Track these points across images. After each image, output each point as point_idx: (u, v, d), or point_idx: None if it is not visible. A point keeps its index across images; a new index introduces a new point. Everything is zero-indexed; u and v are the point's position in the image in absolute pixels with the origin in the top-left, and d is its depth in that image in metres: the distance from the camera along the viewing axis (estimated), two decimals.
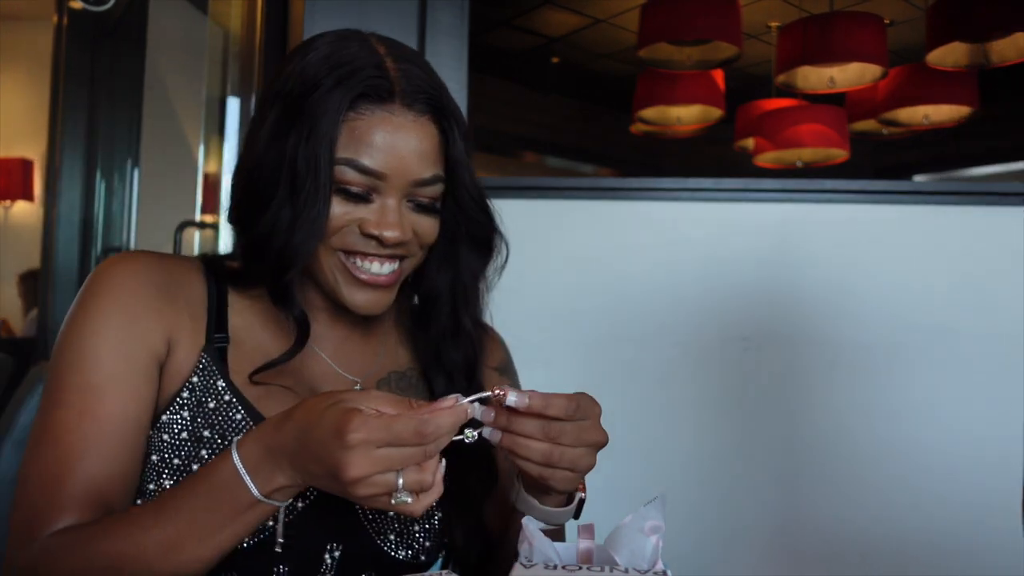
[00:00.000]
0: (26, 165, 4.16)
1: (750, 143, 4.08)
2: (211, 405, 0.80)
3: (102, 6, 2.90)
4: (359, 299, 0.82)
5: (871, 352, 1.57)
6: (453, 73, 1.66)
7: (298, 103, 0.77)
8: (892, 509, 1.55)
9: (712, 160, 4.31)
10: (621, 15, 4.75)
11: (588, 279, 1.61)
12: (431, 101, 0.80)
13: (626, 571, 0.56)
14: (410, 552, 0.84)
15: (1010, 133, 5.48)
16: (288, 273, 0.79)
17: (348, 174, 0.77)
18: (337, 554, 0.81)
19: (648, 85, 3.67)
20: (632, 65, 3.55)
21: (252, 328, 0.86)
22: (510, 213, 0.92)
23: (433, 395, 0.90)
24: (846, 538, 1.55)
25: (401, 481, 0.63)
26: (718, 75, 3.64)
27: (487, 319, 0.96)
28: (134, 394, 0.78)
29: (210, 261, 0.88)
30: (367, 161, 0.77)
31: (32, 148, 4.12)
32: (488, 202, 0.88)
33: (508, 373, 1.00)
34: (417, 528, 0.85)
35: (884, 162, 6.34)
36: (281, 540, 0.75)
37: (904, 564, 1.54)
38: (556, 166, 6.71)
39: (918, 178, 6.42)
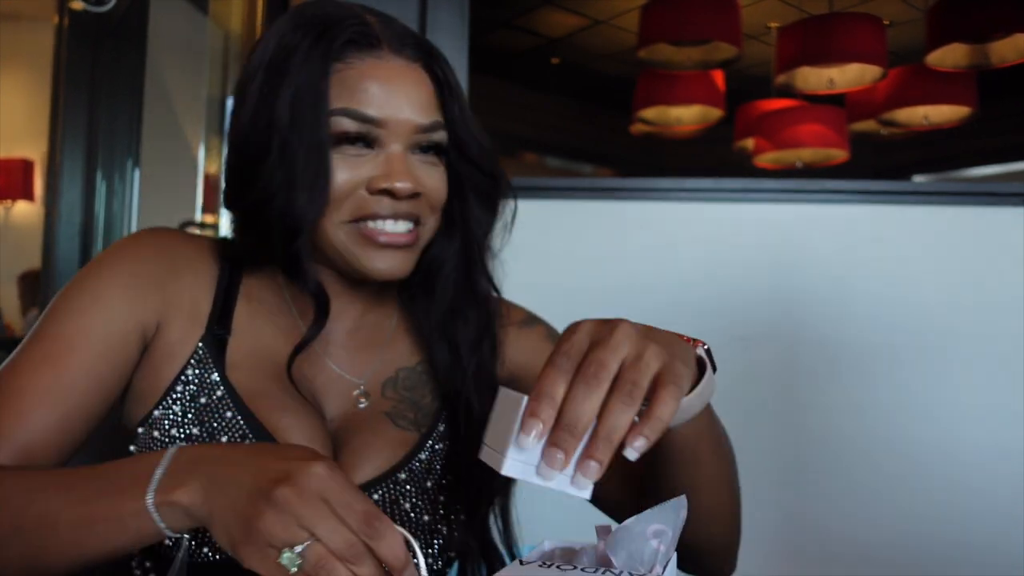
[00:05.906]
0: (26, 165, 4.15)
1: (750, 143, 4.07)
2: (202, 400, 0.77)
3: (103, 7, 2.90)
4: (380, 265, 0.76)
5: (871, 352, 1.57)
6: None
7: (280, 67, 0.75)
8: (892, 509, 1.55)
9: (712, 160, 4.30)
10: (621, 16, 4.74)
11: (587, 279, 1.61)
12: (420, 47, 0.77)
13: (619, 573, 0.55)
14: None
15: (1010, 133, 5.47)
16: (296, 240, 0.75)
17: (345, 124, 0.73)
18: None
19: (648, 85, 3.66)
20: (632, 65, 3.54)
21: (257, 320, 0.82)
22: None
23: (437, 373, 0.85)
24: (846, 538, 1.55)
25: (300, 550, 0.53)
26: (718, 75, 3.63)
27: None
28: (104, 353, 0.74)
29: (228, 244, 0.84)
30: (364, 108, 0.73)
31: (32, 148, 4.11)
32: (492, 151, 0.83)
33: (532, 321, 0.94)
34: (429, 560, 0.80)
35: (884, 162, 6.33)
36: None
37: (903, 565, 1.54)
38: (556, 166, 6.70)
39: (918, 178, 6.41)
